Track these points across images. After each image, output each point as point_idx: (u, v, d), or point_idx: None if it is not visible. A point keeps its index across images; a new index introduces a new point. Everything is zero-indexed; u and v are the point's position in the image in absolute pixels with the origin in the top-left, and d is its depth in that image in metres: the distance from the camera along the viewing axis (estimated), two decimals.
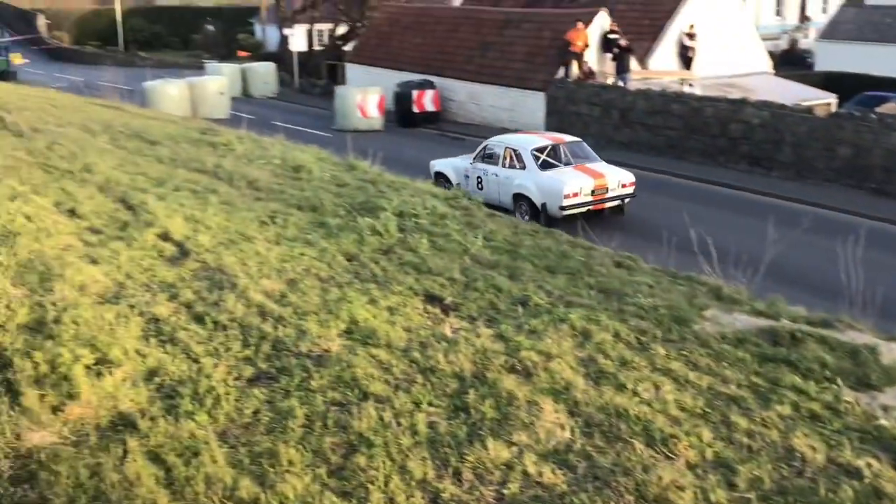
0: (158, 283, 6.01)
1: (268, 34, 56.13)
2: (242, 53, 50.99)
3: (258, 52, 51.92)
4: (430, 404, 4.45)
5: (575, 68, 24.76)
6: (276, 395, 4.48)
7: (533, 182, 14.41)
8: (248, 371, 4.73)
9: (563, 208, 13.83)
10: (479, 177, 15.42)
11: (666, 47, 26.60)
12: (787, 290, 7.39)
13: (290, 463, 3.84)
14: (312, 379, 4.65)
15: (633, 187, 14.82)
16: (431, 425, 4.24)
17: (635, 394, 4.71)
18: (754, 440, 4.31)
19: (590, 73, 24.76)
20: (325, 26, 48.10)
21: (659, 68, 26.12)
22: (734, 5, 28.05)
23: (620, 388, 4.78)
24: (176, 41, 70.34)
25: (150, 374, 4.59)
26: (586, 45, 24.62)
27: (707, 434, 4.30)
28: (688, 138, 21.34)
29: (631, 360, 5.17)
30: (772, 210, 13.48)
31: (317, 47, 48.20)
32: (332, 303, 5.83)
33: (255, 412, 4.30)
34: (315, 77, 41.89)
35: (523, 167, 14.74)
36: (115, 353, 4.72)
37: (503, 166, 15.04)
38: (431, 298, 6.16)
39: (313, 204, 8.91)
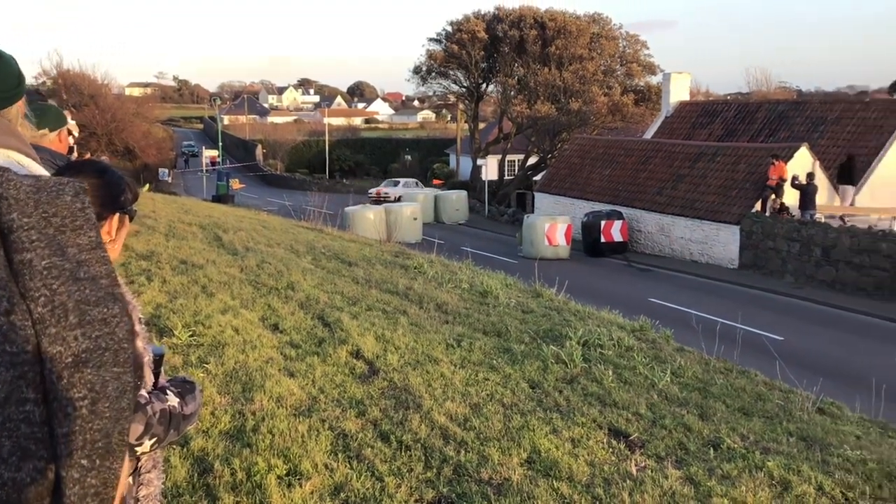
0: (348, 399, 6.21)
1: (461, 164, 58.67)
2: (437, 182, 53.39)
3: (451, 181, 54.17)
4: None
5: (771, 202, 24.08)
6: None
7: None
8: (430, 494, 4.73)
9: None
10: None
11: (874, 183, 25.40)
12: None
13: None
14: None
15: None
16: None
17: None
18: None
19: (782, 209, 23.96)
20: (517, 156, 49.68)
21: (866, 205, 24.88)
22: None
23: None
24: (376, 169, 74.90)
25: (337, 489, 4.69)
26: (783, 180, 23.93)
27: None
28: None
29: None
30: None
31: (507, 177, 49.72)
32: (515, 430, 5.78)
33: None
34: (504, 205, 43.02)
35: None
36: (305, 465, 4.88)
37: None
38: (616, 433, 5.97)
39: (499, 329, 9.00)
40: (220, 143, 70.82)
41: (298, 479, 4.71)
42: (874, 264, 20.49)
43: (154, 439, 2.11)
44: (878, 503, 5.00)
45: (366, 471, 4.95)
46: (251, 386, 6.19)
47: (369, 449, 5.27)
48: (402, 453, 5.25)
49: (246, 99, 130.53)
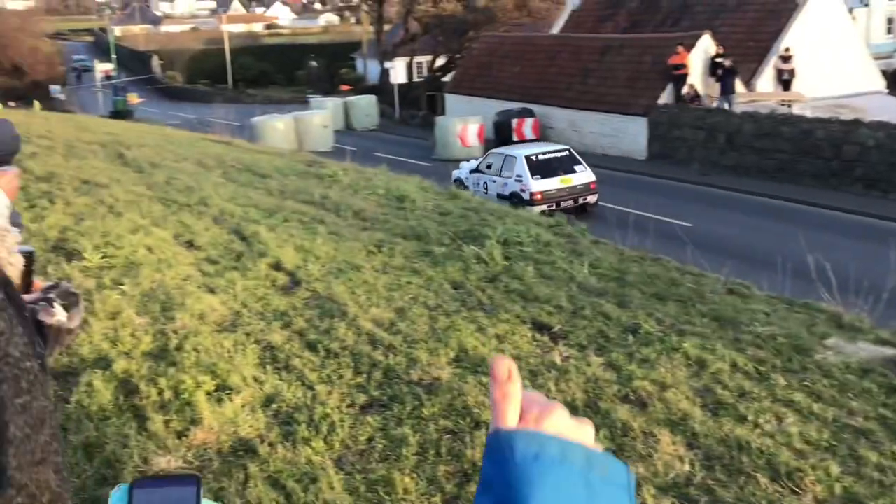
0: (272, 311, 6.16)
1: (369, 68, 57.38)
2: (345, 88, 52.20)
3: (360, 86, 53.05)
4: None
5: (685, 89, 24.40)
6: (389, 423, 4.51)
7: None
8: (361, 398, 4.79)
9: None
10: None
11: (772, 68, 25.92)
12: None
13: (406, 491, 3.86)
14: (424, 407, 4.66)
15: None
16: None
17: (756, 426, 4.54)
18: (886, 475, 4.09)
19: (695, 97, 24.32)
20: (425, 58, 48.83)
21: (765, 90, 25.44)
22: (843, 24, 27.11)
23: (741, 419, 4.62)
24: (281, 78, 72.61)
25: (268, 401, 4.70)
26: (687, 68, 24.23)
27: (835, 468, 4.11)
28: (799, 161, 20.66)
29: (750, 391, 5.00)
30: (892, 235, 12.87)
31: (416, 79, 48.96)
32: (441, 331, 5.85)
33: (370, 439, 4.35)
34: (415, 108, 42.49)
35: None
36: (234, 379, 4.86)
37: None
38: (539, 326, 6.12)
39: (418, 233, 9.00)
40: (114, 56, 67.41)
41: (228, 394, 4.69)
42: (776, 148, 21.15)
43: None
44: (788, 374, 5.28)
45: (296, 380, 4.96)
46: (171, 305, 6.08)
47: (297, 359, 5.27)
48: (331, 361, 5.27)
49: (137, 7, 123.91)
